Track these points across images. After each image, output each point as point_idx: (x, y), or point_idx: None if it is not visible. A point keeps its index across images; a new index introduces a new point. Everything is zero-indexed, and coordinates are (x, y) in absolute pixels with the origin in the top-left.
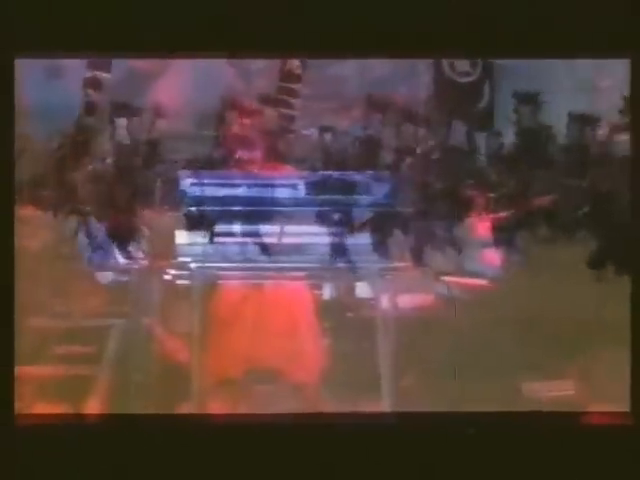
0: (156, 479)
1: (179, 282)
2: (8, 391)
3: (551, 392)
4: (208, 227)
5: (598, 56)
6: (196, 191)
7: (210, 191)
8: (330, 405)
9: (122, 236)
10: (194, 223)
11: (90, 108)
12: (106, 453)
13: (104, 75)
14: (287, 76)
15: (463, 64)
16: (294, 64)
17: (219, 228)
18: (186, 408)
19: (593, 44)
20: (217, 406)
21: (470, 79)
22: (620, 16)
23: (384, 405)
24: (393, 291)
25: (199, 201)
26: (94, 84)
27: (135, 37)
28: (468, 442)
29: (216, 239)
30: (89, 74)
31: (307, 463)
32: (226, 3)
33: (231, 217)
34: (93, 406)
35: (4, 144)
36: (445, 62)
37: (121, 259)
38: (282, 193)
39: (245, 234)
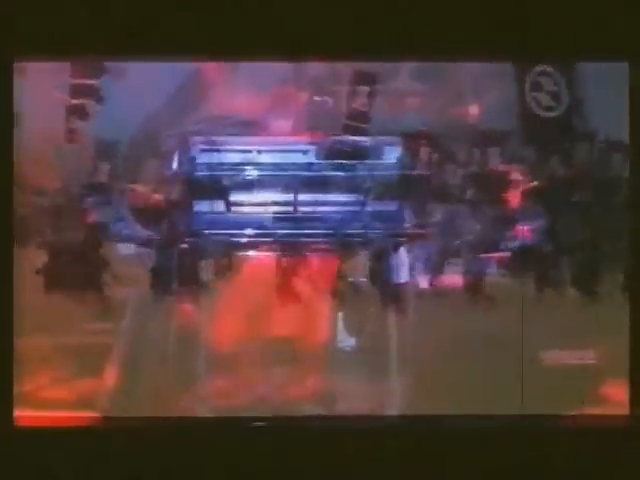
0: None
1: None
2: (7, 394)
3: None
4: (223, 195)
5: (597, 59)
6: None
7: (223, 158)
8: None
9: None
10: (209, 191)
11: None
12: (105, 455)
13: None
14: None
15: (547, 99)
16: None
17: (235, 197)
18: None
19: (592, 47)
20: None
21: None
22: (618, 20)
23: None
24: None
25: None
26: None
27: (138, 39)
28: (469, 441)
29: (233, 208)
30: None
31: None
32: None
33: (245, 185)
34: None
35: (3, 144)
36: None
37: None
38: (296, 159)
39: (260, 203)
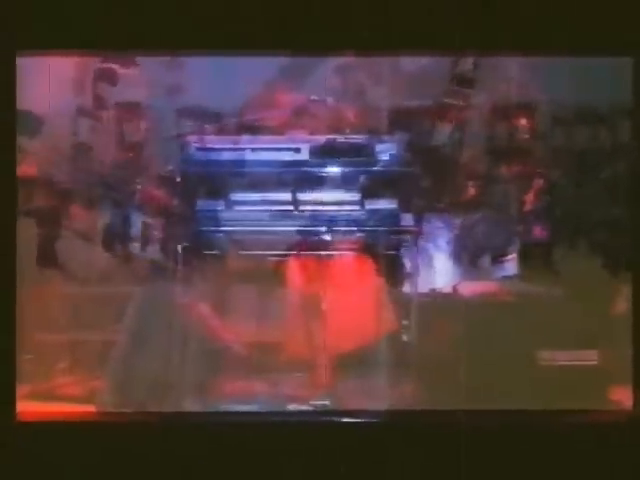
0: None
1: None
2: (9, 389)
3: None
4: (219, 193)
5: (600, 55)
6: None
7: (217, 156)
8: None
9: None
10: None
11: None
12: (105, 450)
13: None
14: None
15: None
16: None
17: (237, 195)
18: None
19: (595, 43)
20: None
21: None
22: (623, 15)
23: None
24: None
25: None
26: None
27: (141, 34)
28: (472, 439)
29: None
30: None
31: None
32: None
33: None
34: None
35: (6, 141)
36: None
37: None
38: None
39: (261, 201)
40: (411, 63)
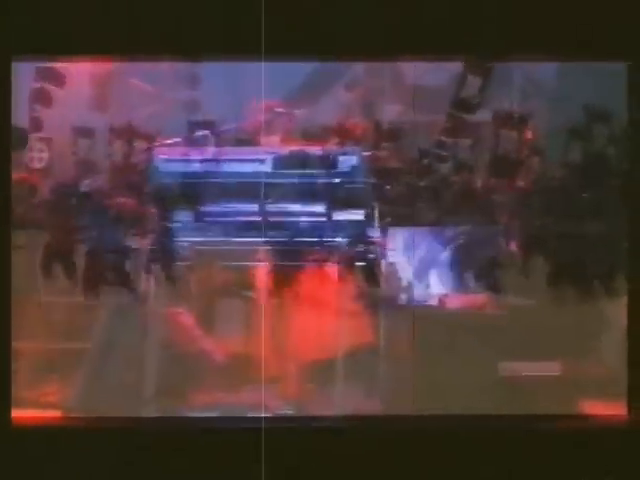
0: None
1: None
2: (5, 395)
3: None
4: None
5: (596, 59)
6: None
7: (184, 167)
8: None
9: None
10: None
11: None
12: (100, 455)
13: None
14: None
15: None
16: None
17: (205, 207)
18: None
19: (591, 48)
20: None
21: None
22: (618, 20)
23: None
24: None
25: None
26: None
27: (134, 41)
28: (467, 442)
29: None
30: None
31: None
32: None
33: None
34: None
35: (1, 145)
36: None
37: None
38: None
39: (229, 212)
40: (414, 78)
